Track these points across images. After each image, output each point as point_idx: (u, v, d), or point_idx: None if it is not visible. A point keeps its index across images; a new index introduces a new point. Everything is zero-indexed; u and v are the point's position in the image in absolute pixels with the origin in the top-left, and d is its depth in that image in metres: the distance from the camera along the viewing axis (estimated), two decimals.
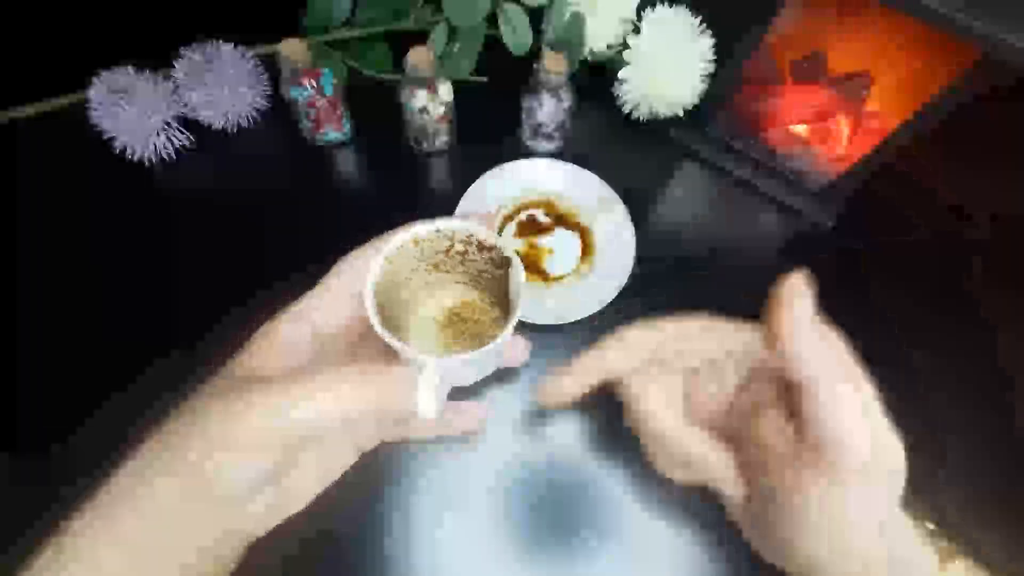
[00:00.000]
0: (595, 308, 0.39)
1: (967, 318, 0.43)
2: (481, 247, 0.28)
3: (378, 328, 0.24)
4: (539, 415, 0.37)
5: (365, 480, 0.29)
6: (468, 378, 0.30)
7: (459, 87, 0.43)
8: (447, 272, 0.30)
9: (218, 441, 0.20)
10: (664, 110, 0.47)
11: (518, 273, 0.26)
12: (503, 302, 0.29)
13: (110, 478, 0.21)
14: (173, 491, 0.20)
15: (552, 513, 0.34)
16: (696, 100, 0.47)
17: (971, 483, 0.37)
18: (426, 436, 0.30)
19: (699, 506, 0.34)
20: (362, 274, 0.25)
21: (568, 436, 0.37)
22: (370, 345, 0.26)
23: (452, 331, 0.31)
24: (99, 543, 0.20)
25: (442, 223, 0.27)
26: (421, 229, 0.27)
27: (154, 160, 0.44)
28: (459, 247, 0.29)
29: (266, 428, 0.20)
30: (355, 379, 0.21)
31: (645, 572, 0.33)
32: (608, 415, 0.37)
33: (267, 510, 0.23)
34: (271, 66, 0.44)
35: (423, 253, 0.28)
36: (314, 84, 0.41)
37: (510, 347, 0.31)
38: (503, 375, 0.38)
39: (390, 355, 0.25)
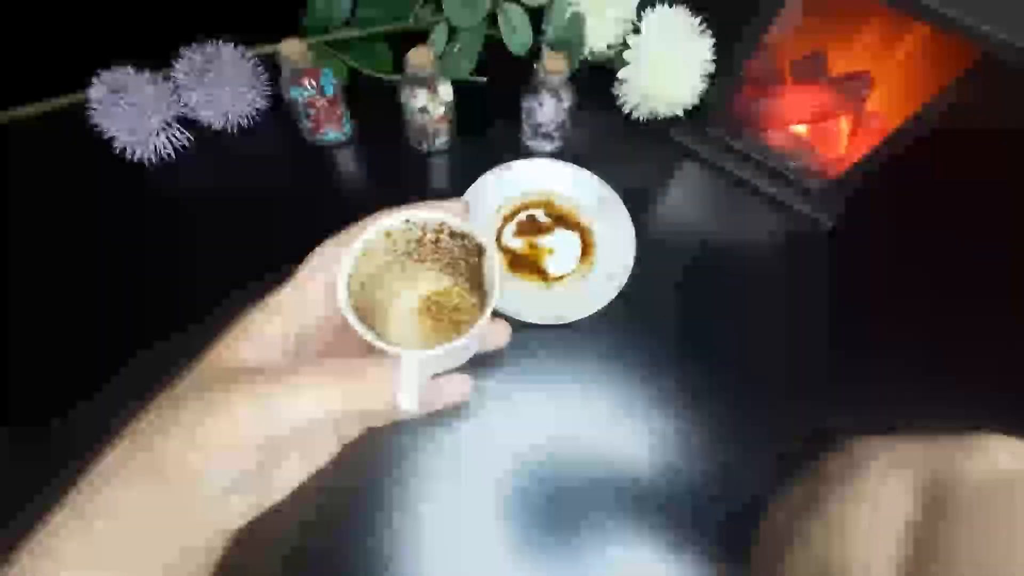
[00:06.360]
0: (595, 308, 0.39)
1: (968, 316, 0.43)
2: (453, 235, 0.28)
3: (354, 323, 0.24)
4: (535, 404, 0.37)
5: (352, 471, 0.29)
6: (446, 366, 0.30)
7: (459, 87, 0.43)
8: (422, 261, 0.30)
9: (199, 441, 0.20)
10: (664, 110, 0.47)
11: (492, 260, 0.26)
12: (481, 288, 0.29)
13: (87, 475, 0.20)
14: (153, 489, 0.20)
15: (548, 507, 0.34)
16: (696, 100, 0.47)
17: None
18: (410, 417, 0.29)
19: (698, 502, 0.35)
20: (335, 264, 0.25)
21: (563, 424, 0.37)
22: (350, 336, 0.26)
23: (431, 319, 0.31)
24: (78, 542, 0.19)
25: (411, 213, 0.27)
26: (391, 220, 0.27)
27: (154, 160, 0.44)
28: (431, 236, 0.28)
29: (249, 432, 0.20)
30: (337, 378, 0.21)
31: (644, 570, 0.33)
32: (610, 405, 0.37)
33: (249, 504, 0.23)
34: (271, 66, 0.44)
35: (395, 244, 0.28)
36: (314, 84, 0.41)
37: (489, 331, 0.30)
38: (490, 362, 0.38)
39: (370, 347, 0.24)
